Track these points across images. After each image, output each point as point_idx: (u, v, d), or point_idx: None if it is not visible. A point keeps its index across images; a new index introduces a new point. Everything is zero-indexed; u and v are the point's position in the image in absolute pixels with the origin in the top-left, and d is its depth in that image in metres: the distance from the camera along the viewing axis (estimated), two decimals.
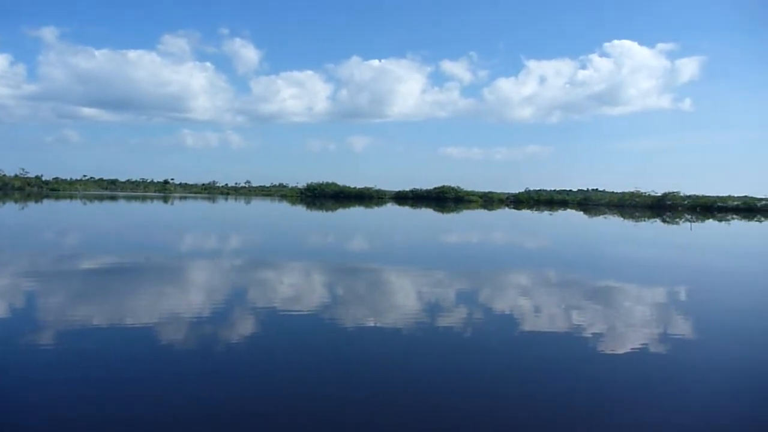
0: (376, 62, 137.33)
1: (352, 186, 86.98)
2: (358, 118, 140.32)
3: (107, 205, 58.66)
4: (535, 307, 11.53)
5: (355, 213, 50.63)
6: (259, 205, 62.51)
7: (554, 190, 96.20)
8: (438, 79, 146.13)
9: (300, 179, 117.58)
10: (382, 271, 16.34)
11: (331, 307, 10.97)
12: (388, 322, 9.78)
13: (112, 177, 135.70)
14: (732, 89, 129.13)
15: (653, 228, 41.21)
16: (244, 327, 9.16)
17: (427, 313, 10.63)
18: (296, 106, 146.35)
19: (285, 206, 58.71)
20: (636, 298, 13.26)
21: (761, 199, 71.91)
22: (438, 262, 18.68)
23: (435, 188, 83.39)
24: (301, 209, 54.53)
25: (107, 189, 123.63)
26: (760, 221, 50.30)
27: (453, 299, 12.14)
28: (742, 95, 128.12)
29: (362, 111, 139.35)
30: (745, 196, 76.06)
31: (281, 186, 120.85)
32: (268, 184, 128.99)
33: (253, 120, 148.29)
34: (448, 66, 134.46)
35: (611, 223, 44.89)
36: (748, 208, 67.52)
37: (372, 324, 9.66)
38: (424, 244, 26.01)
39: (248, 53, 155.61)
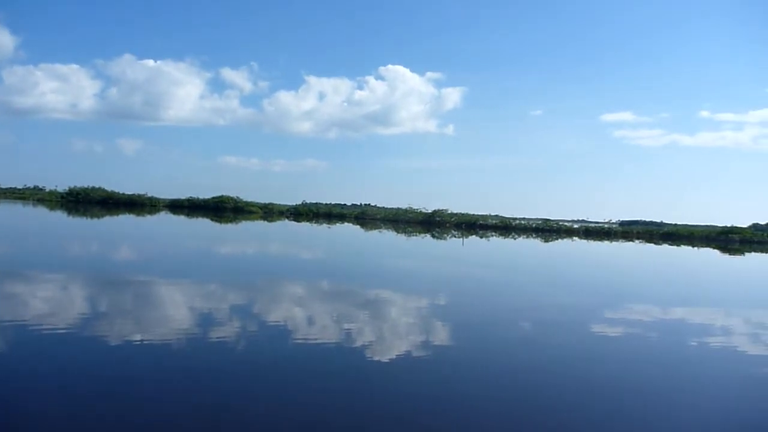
0: (151, 62, 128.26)
1: (121, 192, 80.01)
2: (130, 119, 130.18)
3: None
4: (309, 318, 11.47)
5: (122, 221, 46.31)
6: (9, 209, 54.38)
7: (330, 204, 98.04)
8: (217, 86, 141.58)
9: (60, 182, 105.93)
10: (151, 284, 15.16)
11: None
12: (158, 337, 9.10)
13: None
14: (487, 118, 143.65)
15: (425, 242, 43.31)
16: None
17: (198, 328, 10.07)
18: (58, 102, 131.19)
19: (42, 212, 51.77)
20: (402, 307, 13.53)
21: (515, 219, 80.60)
22: (212, 273, 17.86)
23: (213, 198, 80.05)
24: (60, 216, 48.45)
25: None
26: (515, 238, 55.61)
27: (227, 311, 11.62)
28: (496, 124, 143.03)
29: (134, 112, 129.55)
30: (497, 215, 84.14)
31: (37, 189, 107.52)
32: (20, 186, 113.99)
33: (5, 114, 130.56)
34: (229, 74, 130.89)
35: (386, 237, 46.43)
36: (505, 226, 74.62)
37: (137, 338, 8.86)
38: (198, 254, 24.45)
39: (2, 38, 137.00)
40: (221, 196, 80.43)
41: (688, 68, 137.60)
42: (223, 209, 77.20)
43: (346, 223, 68.56)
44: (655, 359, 10.01)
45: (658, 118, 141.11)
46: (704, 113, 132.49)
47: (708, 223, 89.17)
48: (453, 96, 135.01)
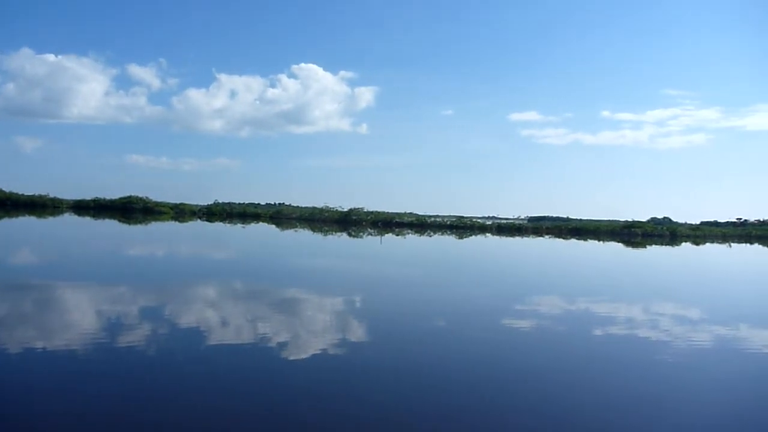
0: (51, 57, 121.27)
1: (20, 193, 75.22)
2: (29, 116, 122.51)
3: None
4: (222, 320, 11.24)
5: (21, 223, 43.53)
6: None
7: (244, 203, 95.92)
8: (124, 83, 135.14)
9: None
10: (51, 288, 14.41)
11: None
12: (60, 343, 8.67)
13: None
14: (400, 118, 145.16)
15: (342, 241, 43.02)
16: None
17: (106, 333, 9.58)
18: None
19: None
20: (318, 306, 13.48)
21: (430, 216, 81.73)
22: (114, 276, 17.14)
23: (121, 198, 76.61)
24: None
25: None
26: (430, 235, 56.22)
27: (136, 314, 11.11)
28: (409, 123, 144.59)
29: (34, 109, 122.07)
30: (413, 213, 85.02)
31: None
32: None
33: None
34: (136, 70, 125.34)
35: (302, 236, 45.86)
36: (421, 224, 75.40)
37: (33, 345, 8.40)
38: (103, 256, 23.31)
39: None
40: (129, 197, 77.12)
41: (589, 70, 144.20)
42: (131, 210, 74.03)
43: (261, 223, 67.36)
44: (564, 348, 10.33)
45: (563, 117, 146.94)
46: (605, 113, 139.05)
47: (611, 218, 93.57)
48: (366, 95, 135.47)
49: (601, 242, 57.16)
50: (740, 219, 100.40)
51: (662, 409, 7.11)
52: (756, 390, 8.30)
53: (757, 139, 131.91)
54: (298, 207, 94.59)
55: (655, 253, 45.95)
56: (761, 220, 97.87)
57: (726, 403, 7.67)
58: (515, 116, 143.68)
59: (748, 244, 66.42)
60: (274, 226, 60.80)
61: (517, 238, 58.66)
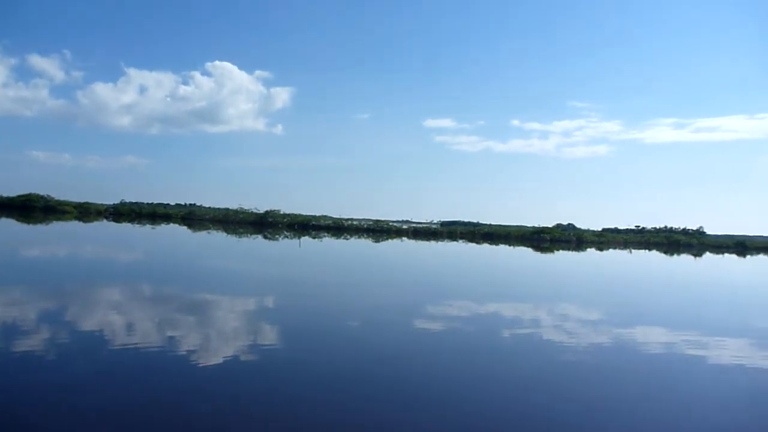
0: None
1: None
2: None
3: None
4: (128, 324, 10.83)
5: None
6: None
7: (153, 204, 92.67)
8: (23, 74, 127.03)
9: None
10: None
11: None
12: None
13: None
14: (316, 120, 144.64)
15: (257, 244, 42.32)
16: None
17: None
18: None
19: None
20: (231, 310, 13.22)
21: (347, 219, 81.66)
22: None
23: (20, 196, 72.23)
24: None
25: None
26: (347, 238, 56.28)
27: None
28: (325, 126, 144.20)
29: None
30: (329, 216, 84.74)
31: None
32: None
33: None
34: (37, 61, 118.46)
35: (215, 238, 44.83)
36: (338, 227, 75.38)
37: None
38: None
39: None
40: (29, 194, 72.92)
41: (501, 79, 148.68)
42: (31, 209, 69.99)
43: (171, 224, 65.30)
44: (472, 349, 10.62)
45: (476, 125, 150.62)
46: (515, 122, 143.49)
47: (519, 223, 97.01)
48: (282, 95, 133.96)
49: (512, 247, 58.98)
50: (638, 226, 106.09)
51: (564, 401, 7.44)
52: (647, 381, 8.79)
53: (654, 152, 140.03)
54: (211, 208, 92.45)
55: (563, 257, 47.90)
56: (657, 227, 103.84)
57: (622, 391, 8.12)
58: (430, 122, 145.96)
59: (647, 250, 70.28)
60: (186, 227, 59.10)
61: (433, 242, 59.66)
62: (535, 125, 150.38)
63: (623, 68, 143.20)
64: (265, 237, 50.24)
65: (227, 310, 13.18)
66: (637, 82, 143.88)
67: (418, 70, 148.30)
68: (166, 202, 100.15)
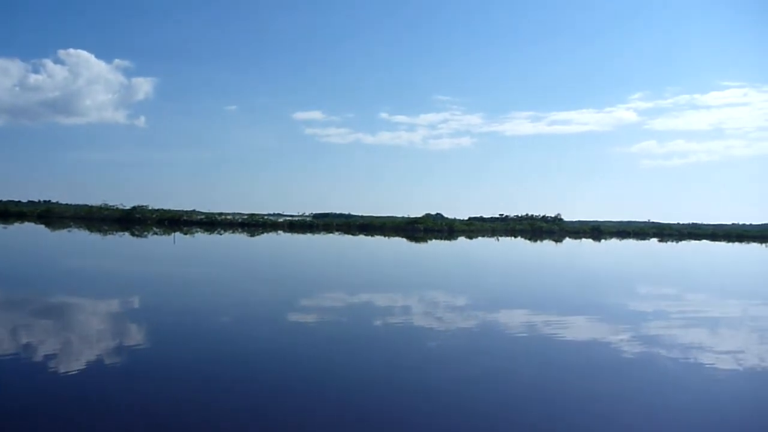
0: None
1: None
2: None
3: None
4: None
5: None
6: None
7: (3, 201, 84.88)
8: None
9: None
10: None
11: None
12: None
13: None
14: (182, 111, 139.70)
15: (124, 241, 40.31)
16: None
17: None
18: None
19: None
20: (93, 312, 12.64)
21: (221, 214, 79.69)
22: None
23: None
24: None
25: None
26: (221, 233, 54.95)
27: None
28: (191, 118, 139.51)
29: None
30: (198, 210, 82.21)
31: None
32: None
33: None
34: None
35: (77, 236, 42.30)
36: (211, 222, 73.19)
37: None
38: None
39: None
40: None
41: (369, 72, 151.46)
42: None
43: (26, 223, 60.59)
44: (347, 339, 10.89)
45: (344, 117, 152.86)
46: (383, 115, 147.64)
47: (389, 214, 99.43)
48: (144, 86, 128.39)
49: (388, 237, 60.19)
50: (502, 215, 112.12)
51: (433, 382, 7.85)
52: (512, 360, 9.43)
53: (514, 143, 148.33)
54: (71, 205, 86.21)
55: (435, 247, 49.58)
56: (519, 215, 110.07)
57: (491, 372, 8.63)
58: (299, 115, 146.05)
59: (513, 237, 74.30)
60: (43, 226, 55.06)
61: (309, 235, 59.61)
62: (402, 118, 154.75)
63: (484, 65, 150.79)
64: (133, 234, 47.89)
65: (89, 313, 12.59)
66: (497, 78, 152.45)
67: (287, 63, 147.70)
68: (17, 199, 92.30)
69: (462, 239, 63.21)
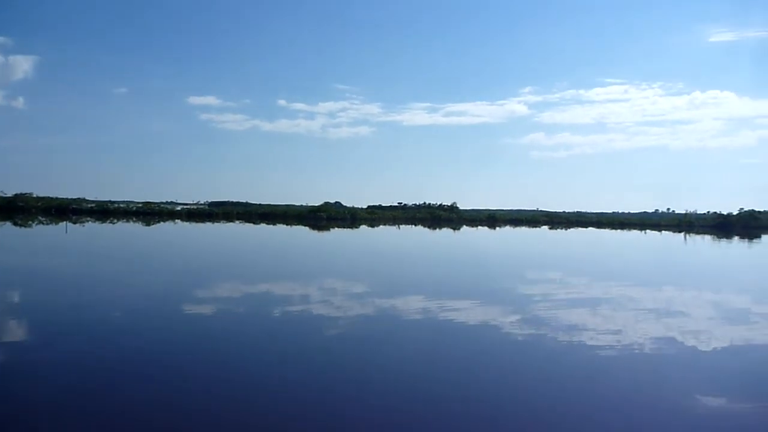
0: None
1: None
2: None
3: None
4: None
5: None
6: None
7: None
8: None
9: None
10: None
11: None
12: None
13: None
14: (67, 92, 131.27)
15: (7, 231, 37.79)
16: None
17: None
18: None
19: None
20: None
21: (113, 202, 76.34)
22: None
23: None
24: None
25: None
26: (114, 222, 52.64)
27: None
28: (78, 100, 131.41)
29: None
30: (88, 198, 78.35)
31: None
32: None
33: None
34: None
35: None
36: (103, 210, 69.93)
37: None
38: None
39: None
40: None
41: (267, 58, 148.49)
42: None
43: None
44: (244, 330, 10.94)
45: (242, 104, 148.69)
46: (282, 102, 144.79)
47: (288, 202, 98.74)
48: (24, 65, 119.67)
49: (290, 226, 59.78)
50: (401, 203, 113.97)
51: (332, 370, 8.08)
52: (410, 344, 9.82)
53: (412, 133, 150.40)
54: None
55: (338, 235, 49.77)
56: (417, 203, 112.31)
57: (390, 356, 8.96)
58: (194, 100, 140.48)
59: (413, 225, 75.71)
60: None
61: (209, 224, 58.22)
62: (301, 106, 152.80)
63: (383, 56, 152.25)
64: (15, 224, 44.99)
65: None
66: (395, 69, 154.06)
67: (182, 45, 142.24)
68: None
69: (364, 227, 63.75)
